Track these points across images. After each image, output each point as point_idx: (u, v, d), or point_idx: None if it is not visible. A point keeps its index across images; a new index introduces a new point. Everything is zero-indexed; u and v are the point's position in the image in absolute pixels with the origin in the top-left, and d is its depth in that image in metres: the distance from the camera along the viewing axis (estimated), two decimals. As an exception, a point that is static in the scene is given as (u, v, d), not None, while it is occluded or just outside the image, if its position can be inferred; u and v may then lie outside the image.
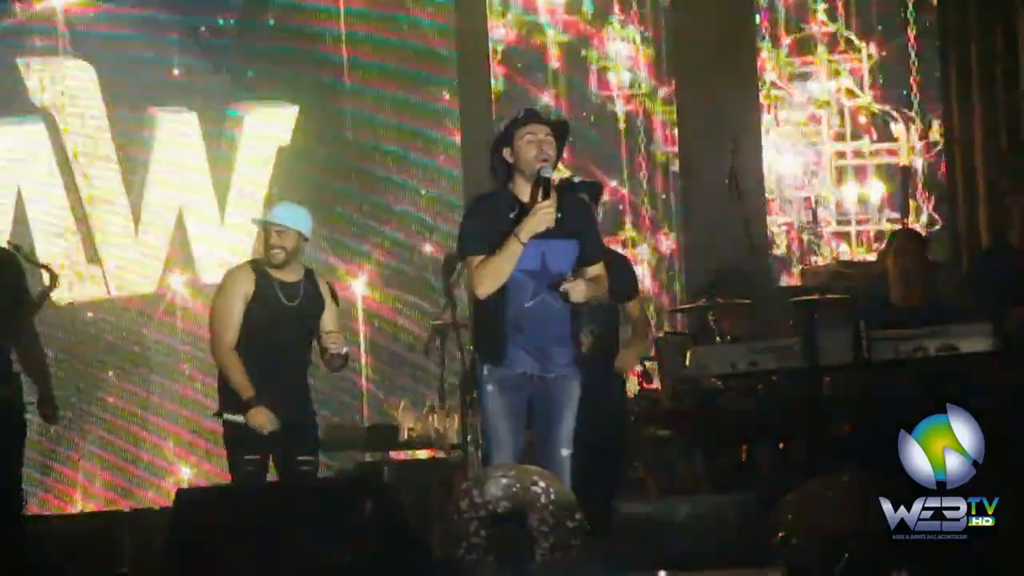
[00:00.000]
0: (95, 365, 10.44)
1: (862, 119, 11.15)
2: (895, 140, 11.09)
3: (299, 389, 7.36)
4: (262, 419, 7.16)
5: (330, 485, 7.77)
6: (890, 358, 7.42)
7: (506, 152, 6.29)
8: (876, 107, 11.12)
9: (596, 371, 6.80)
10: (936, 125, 11.03)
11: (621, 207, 11.03)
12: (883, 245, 10.28)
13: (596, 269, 6.41)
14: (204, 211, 10.66)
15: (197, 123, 10.66)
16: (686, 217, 10.89)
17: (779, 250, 11.04)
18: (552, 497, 4.70)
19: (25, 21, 10.46)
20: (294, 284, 7.34)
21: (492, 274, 6.18)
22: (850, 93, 11.12)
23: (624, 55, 11.10)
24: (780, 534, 4.78)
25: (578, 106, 11.05)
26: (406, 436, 9.23)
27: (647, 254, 11.04)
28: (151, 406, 10.51)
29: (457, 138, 10.86)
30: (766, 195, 10.93)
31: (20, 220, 10.30)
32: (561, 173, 8.39)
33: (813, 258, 11.06)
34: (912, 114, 11.04)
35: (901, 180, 11.05)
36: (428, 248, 10.82)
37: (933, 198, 11.04)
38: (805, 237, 11.08)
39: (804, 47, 11.19)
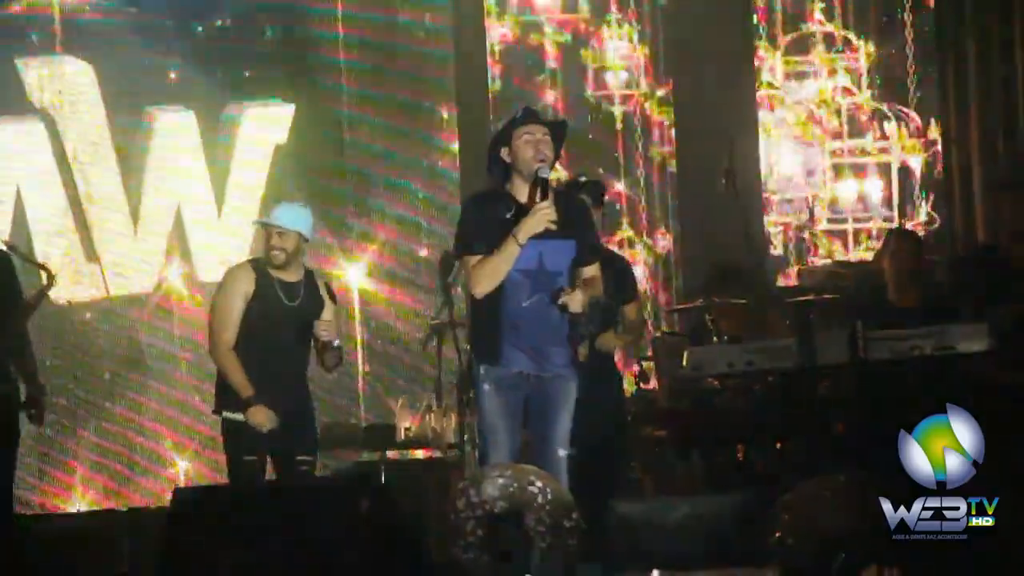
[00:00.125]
0: (92, 367, 10.44)
1: (861, 118, 11.16)
2: (890, 139, 11.10)
3: (298, 389, 7.36)
4: (261, 417, 7.16)
5: (327, 485, 7.78)
6: (886, 358, 7.43)
7: (504, 152, 6.29)
8: (873, 104, 11.13)
9: (593, 371, 6.80)
10: (934, 123, 11.04)
11: (619, 207, 11.03)
12: (880, 245, 10.30)
13: (591, 270, 6.41)
14: (202, 210, 10.66)
15: (195, 123, 10.66)
16: (683, 217, 10.90)
17: (776, 250, 11.05)
18: (549, 497, 4.70)
19: (23, 22, 10.45)
20: (295, 284, 7.34)
21: (489, 274, 6.18)
22: (846, 91, 11.13)
23: (621, 55, 11.10)
24: (776, 534, 4.78)
25: (575, 106, 11.05)
26: (403, 436, 9.24)
27: (644, 254, 11.05)
28: (147, 406, 10.50)
29: (454, 139, 10.86)
30: (763, 195, 10.94)
31: (19, 220, 10.29)
32: (558, 173, 8.40)
33: (810, 258, 11.07)
34: (910, 111, 11.05)
35: (898, 180, 11.07)
36: (424, 248, 10.81)
37: (931, 196, 11.05)
38: (805, 234, 11.09)
39: (801, 46, 11.20)
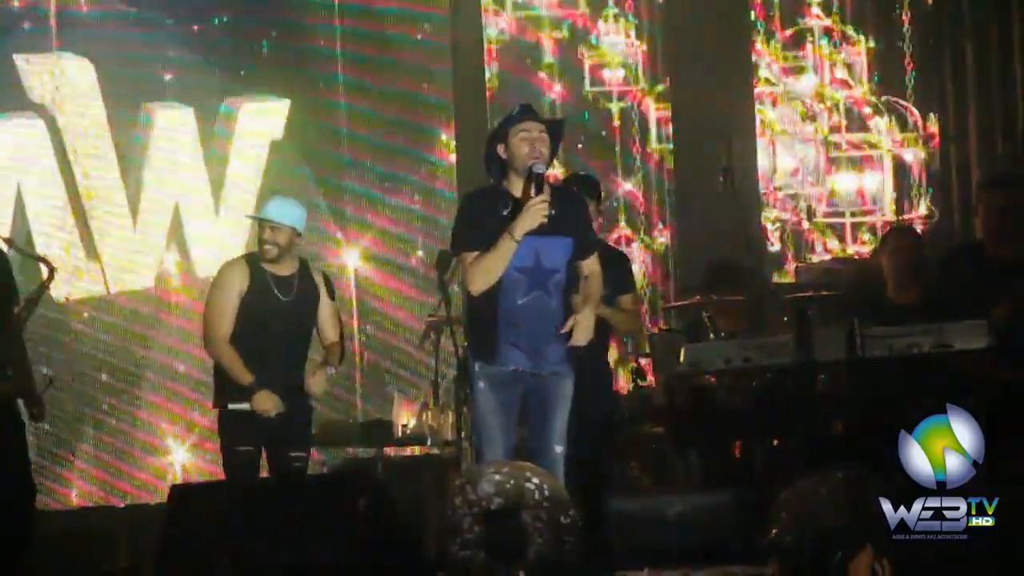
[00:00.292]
0: (90, 362, 10.43)
1: (857, 111, 11.15)
2: (889, 133, 11.09)
3: (295, 382, 7.35)
4: (267, 403, 7.16)
5: (325, 481, 7.79)
6: (884, 355, 7.42)
7: (500, 148, 6.28)
8: (872, 98, 11.13)
9: (586, 367, 6.79)
10: (933, 117, 11.04)
11: (616, 203, 11.02)
12: (878, 240, 10.29)
13: (591, 265, 6.41)
14: (200, 206, 10.65)
15: (193, 118, 10.65)
16: (681, 213, 10.89)
17: (773, 247, 11.04)
18: (546, 494, 4.67)
19: (19, 18, 10.44)
20: (289, 278, 7.34)
21: (486, 271, 6.17)
22: (844, 84, 11.12)
23: (619, 50, 11.10)
24: (774, 531, 4.77)
25: (573, 101, 11.04)
26: (400, 432, 9.23)
27: (642, 250, 11.04)
28: (146, 401, 10.50)
29: (452, 131, 10.85)
30: (760, 190, 10.93)
31: (19, 217, 10.27)
32: (555, 169, 8.39)
33: (808, 255, 11.07)
34: (909, 105, 11.05)
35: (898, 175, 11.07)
36: (422, 244, 10.80)
37: (931, 191, 11.05)
38: (805, 226, 11.08)
39: (799, 40, 11.19)
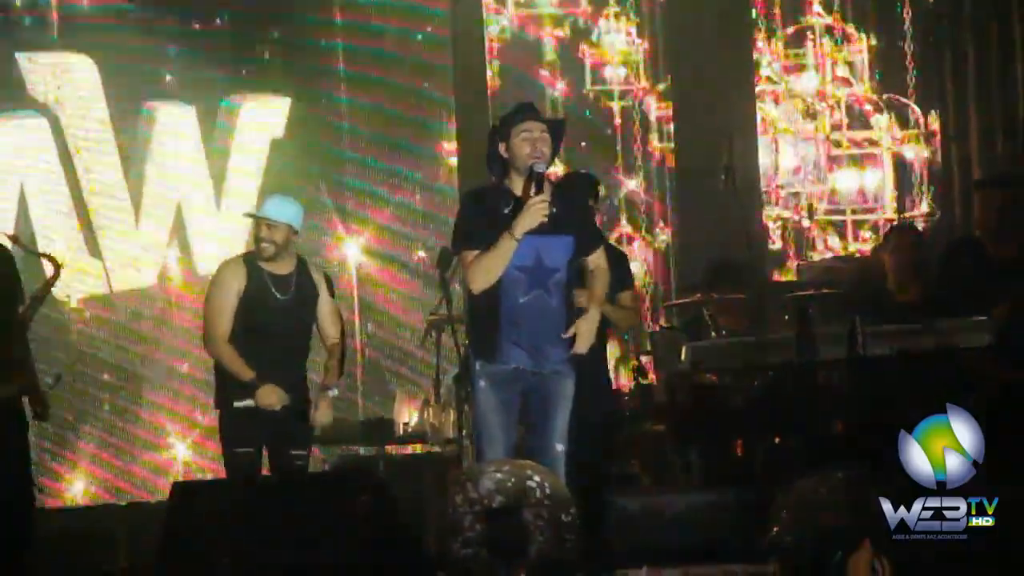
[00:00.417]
0: (91, 360, 10.43)
1: (859, 109, 11.16)
2: (890, 131, 11.10)
3: (295, 381, 7.35)
4: (272, 397, 7.17)
5: (326, 480, 7.78)
6: (885, 353, 7.42)
7: (501, 147, 6.28)
8: (872, 95, 11.13)
9: (586, 370, 6.78)
10: (934, 115, 11.04)
11: (617, 202, 11.02)
12: (880, 237, 10.30)
13: (596, 260, 6.42)
14: (202, 203, 10.66)
15: (194, 115, 10.66)
16: (682, 212, 10.89)
17: (775, 245, 11.04)
18: (547, 492, 4.69)
19: (21, 16, 10.44)
20: (286, 276, 7.34)
21: (486, 270, 6.17)
22: (846, 82, 11.12)
23: (621, 48, 11.10)
24: (774, 530, 4.77)
25: (574, 99, 11.04)
26: (401, 430, 9.23)
27: (644, 248, 11.04)
28: (147, 399, 10.50)
29: (454, 124, 10.85)
30: (762, 188, 10.93)
31: (22, 215, 10.28)
32: (556, 167, 8.39)
33: (809, 253, 11.07)
34: (910, 102, 11.05)
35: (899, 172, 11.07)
36: (423, 240, 10.81)
37: (932, 188, 11.05)
38: (806, 224, 11.08)
39: (800, 38, 11.19)
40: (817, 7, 11.18)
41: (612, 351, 9.97)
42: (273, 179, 10.53)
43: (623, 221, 11.02)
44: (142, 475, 10.40)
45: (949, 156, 10.96)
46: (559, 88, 11.01)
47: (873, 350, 7.42)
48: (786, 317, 8.57)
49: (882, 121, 11.10)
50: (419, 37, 10.91)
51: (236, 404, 7.22)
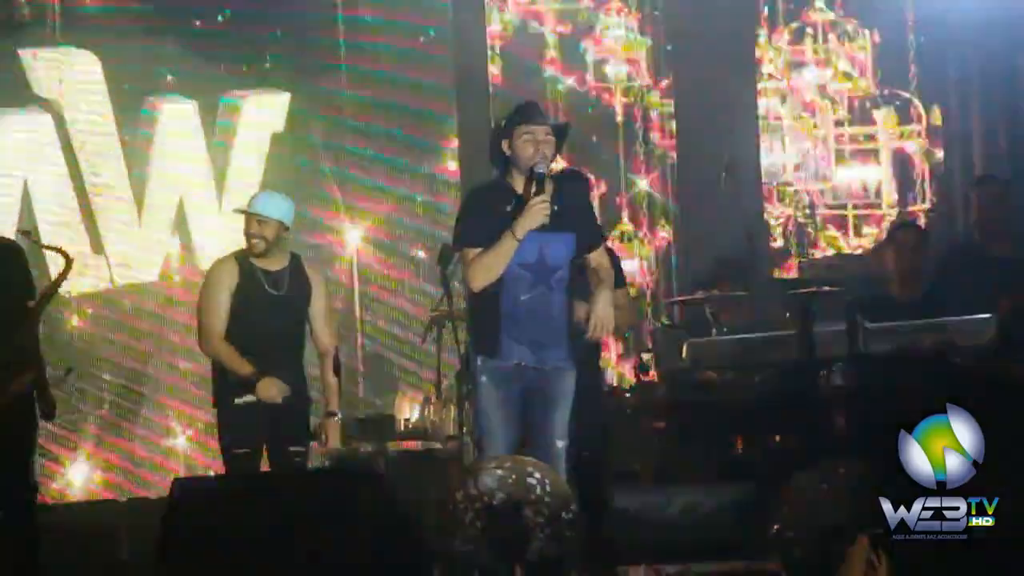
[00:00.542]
0: (93, 357, 10.43)
1: (861, 105, 11.15)
2: (892, 128, 11.09)
3: (292, 377, 7.35)
4: (272, 390, 7.17)
5: (327, 476, 7.77)
6: (887, 350, 7.42)
7: (504, 145, 6.28)
8: (874, 91, 11.12)
9: (585, 370, 6.78)
10: (936, 111, 11.03)
11: (618, 200, 11.02)
12: (882, 233, 10.29)
13: (598, 257, 6.42)
14: (204, 200, 10.66)
15: (196, 112, 10.66)
16: (683, 209, 10.88)
17: (776, 242, 11.03)
18: (548, 488, 4.69)
19: (23, 12, 10.43)
20: (278, 272, 7.34)
21: (486, 269, 6.18)
22: (846, 77, 11.11)
23: (621, 48, 11.09)
24: (776, 526, 4.78)
25: (576, 95, 11.04)
26: (402, 427, 9.23)
27: (644, 247, 11.03)
28: (148, 396, 10.50)
29: (455, 116, 10.86)
30: (763, 185, 10.93)
31: (26, 212, 10.27)
32: (556, 164, 8.38)
33: (811, 250, 11.06)
34: (912, 98, 11.03)
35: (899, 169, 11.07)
36: (426, 234, 10.81)
37: (933, 184, 11.04)
38: (805, 221, 11.07)
39: (802, 36, 11.18)
40: (820, 3, 11.15)
41: (614, 348, 9.98)
42: (274, 174, 10.53)
43: (625, 217, 11.01)
44: (143, 472, 10.40)
45: (951, 161, 10.94)
46: (560, 84, 11.00)
47: (874, 347, 7.43)
48: (787, 314, 8.57)
49: (883, 117, 11.09)
50: (421, 31, 10.91)
51: (237, 400, 7.22)
